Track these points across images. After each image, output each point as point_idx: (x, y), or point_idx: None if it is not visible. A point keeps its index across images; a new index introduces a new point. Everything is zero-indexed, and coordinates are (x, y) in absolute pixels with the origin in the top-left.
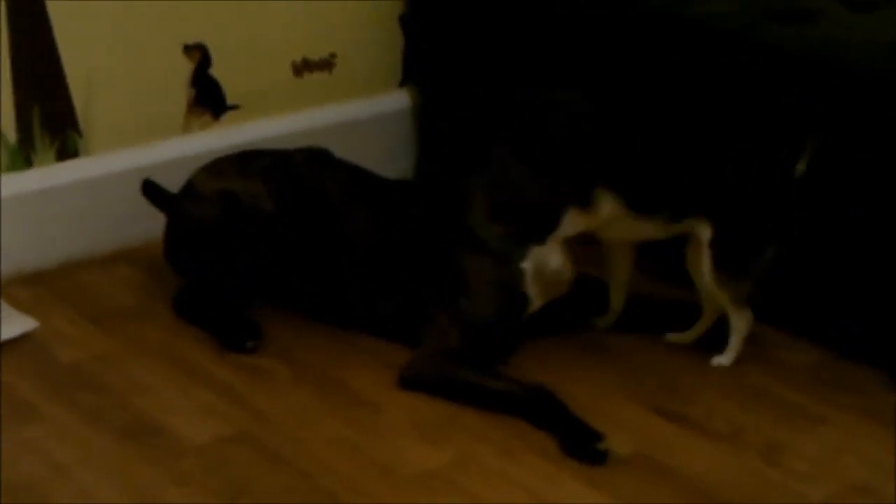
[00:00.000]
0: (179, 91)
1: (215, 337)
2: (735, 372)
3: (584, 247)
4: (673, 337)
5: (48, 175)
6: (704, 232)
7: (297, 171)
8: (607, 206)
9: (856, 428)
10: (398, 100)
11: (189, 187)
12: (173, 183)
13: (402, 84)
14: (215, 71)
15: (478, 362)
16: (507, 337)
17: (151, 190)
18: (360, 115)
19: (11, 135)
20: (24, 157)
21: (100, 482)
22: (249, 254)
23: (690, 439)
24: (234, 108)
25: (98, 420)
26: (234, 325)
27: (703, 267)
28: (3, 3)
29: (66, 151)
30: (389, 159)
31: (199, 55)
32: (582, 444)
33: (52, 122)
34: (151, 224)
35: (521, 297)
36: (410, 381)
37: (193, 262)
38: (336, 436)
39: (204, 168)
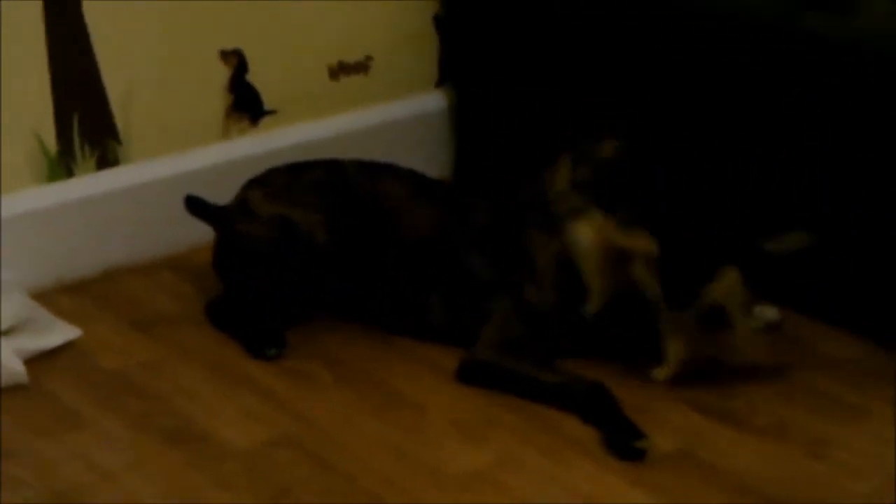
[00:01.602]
0: (217, 97)
1: (241, 343)
2: (776, 365)
3: None
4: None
5: (89, 184)
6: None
7: (351, 182)
8: None
9: None
10: (435, 101)
11: (243, 205)
12: (214, 189)
13: (439, 85)
14: (252, 76)
15: (539, 352)
16: (569, 327)
17: (196, 205)
18: (397, 117)
19: (52, 145)
20: (64, 167)
21: (145, 487)
22: (301, 280)
23: (734, 435)
24: (272, 112)
25: (143, 426)
26: (258, 333)
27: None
28: (42, 13)
29: (107, 160)
30: (427, 161)
31: (236, 61)
32: (623, 441)
33: (91, 131)
34: (194, 230)
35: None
36: (468, 372)
37: (243, 280)
38: (379, 438)
39: (257, 183)
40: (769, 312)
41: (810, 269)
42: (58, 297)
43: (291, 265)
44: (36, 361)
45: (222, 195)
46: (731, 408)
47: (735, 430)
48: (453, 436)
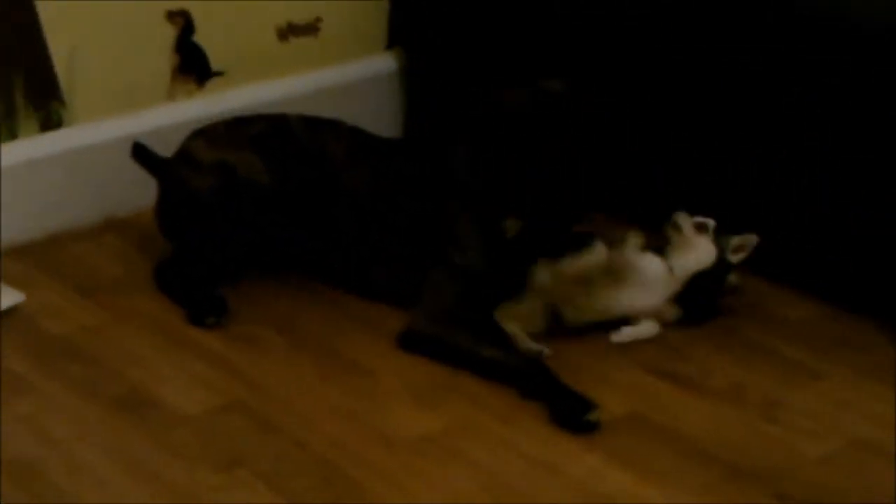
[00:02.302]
0: (163, 58)
1: (183, 309)
2: (731, 327)
3: None
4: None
5: (32, 146)
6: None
7: (295, 134)
8: None
9: (856, 383)
10: (385, 63)
11: (185, 153)
12: (159, 151)
13: (389, 47)
14: (199, 37)
15: (475, 320)
16: (500, 286)
17: (142, 153)
18: (347, 80)
19: None
20: (7, 129)
21: (93, 454)
22: (244, 226)
23: (687, 398)
24: (219, 74)
25: (90, 392)
26: (200, 300)
27: None
28: None
29: (51, 122)
30: (377, 123)
31: (183, 21)
32: (573, 414)
33: (35, 92)
34: (139, 193)
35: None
36: (408, 342)
37: (185, 230)
38: (331, 403)
39: (200, 134)
40: (729, 276)
41: (768, 232)
42: (2, 261)
43: (235, 210)
44: None
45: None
46: (686, 370)
47: (689, 393)
48: (406, 401)
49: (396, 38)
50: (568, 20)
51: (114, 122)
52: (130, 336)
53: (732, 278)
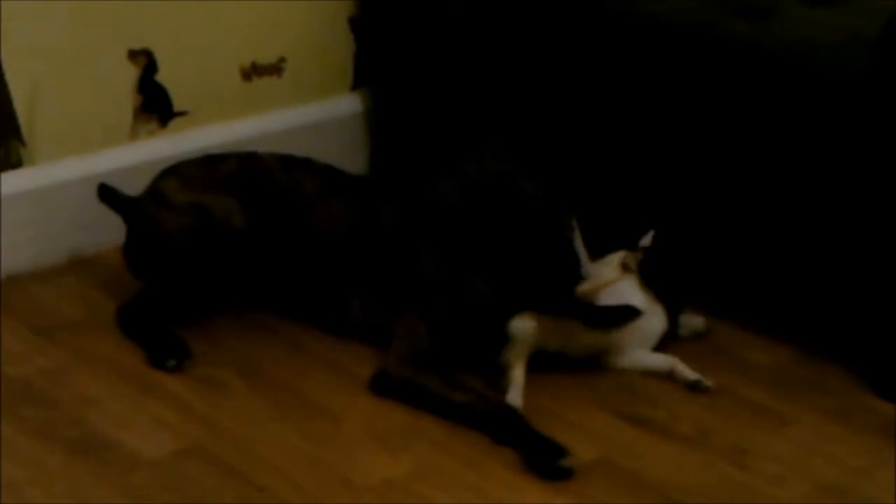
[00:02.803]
0: (126, 97)
1: (144, 351)
2: (698, 372)
3: None
4: None
5: None
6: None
7: (269, 172)
8: None
9: (823, 428)
10: (350, 104)
11: (156, 193)
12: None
13: (354, 88)
14: (162, 77)
15: (446, 364)
16: (476, 340)
17: (109, 194)
18: (312, 120)
19: None
20: None
21: (50, 500)
22: (217, 269)
23: (655, 443)
24: (182, 114)
25: (48, 436)
26: (161, 342)
27: None
28: None
29: (10, 161)
30: (342, 164)
31: (146, 60)
32: (545, 461)
33: None
34: (101, 233)
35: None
36: (380, 385)
37: (156, 270)
38: (292, 447)
39: (171, 173)
40: (695, 321)
41: (735, 276)
42: None
43: (209, 253)
44: None
45: None
46: (653, 415)
47: (657, 438)
48: (369, 445)
49: (362, 78)
50: (534, 62)
51: (74, 162)
52: (90, 378)
53: (699, 322)
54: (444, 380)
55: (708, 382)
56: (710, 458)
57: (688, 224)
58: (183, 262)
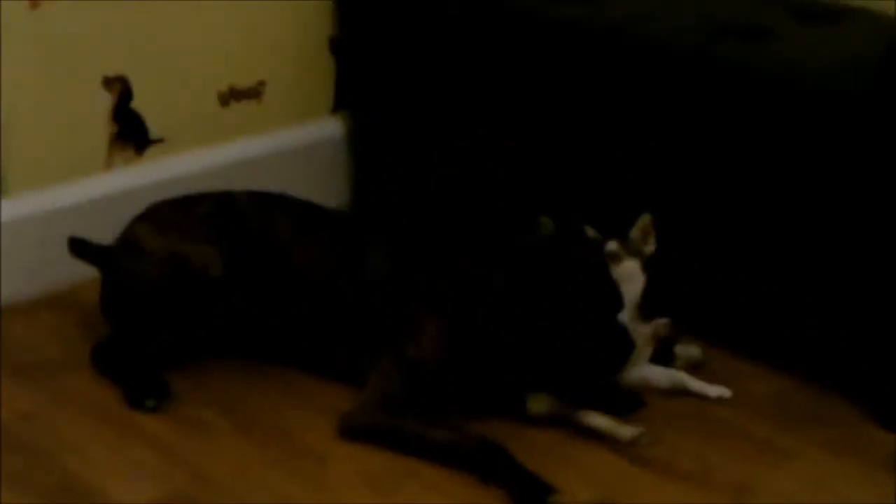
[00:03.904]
0: (100, 126)
1: (122, 391)
2: (698, 406)
3: None
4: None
5: None
6: None
7: (243, 214)
8: None
9: (828, 462)
10: (331, 127)
11: (130, 241)
12: (98, 223)
13: (335, 111)
14: (137, 104)
15: (421, 410)
16: (453, 385)
17: (81, 247)
18: (292, 145)
19: None
20: None
21: None
22: (194, 318)
23: (654, 481)
24: (159, 141)
25: (24, 484)
26: (139, 381)
27: None
28: None
29: None
30: (323, 190)
31: (120, 87)
32: (533, 499)
33: None
34: (76, 267)
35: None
36: (350, 430)
37: (133, 321)
38: (279, 492)
39: (144, 219)
40: (692, 350)
41: (734, 305)
42: None
43: (184, 301)
44: None
45: (106, 229)
46: (652, 452)
47: (657, 476)
48: (359, 488)
49: (343, 101)
50: (525, 85)
51: (48, 192)
52: (67, 421)
53: (695, 352)
54: (422, 421)
55: (726, 392)
56: (712, 496)
57: (683, 249)
58: (160, 312)
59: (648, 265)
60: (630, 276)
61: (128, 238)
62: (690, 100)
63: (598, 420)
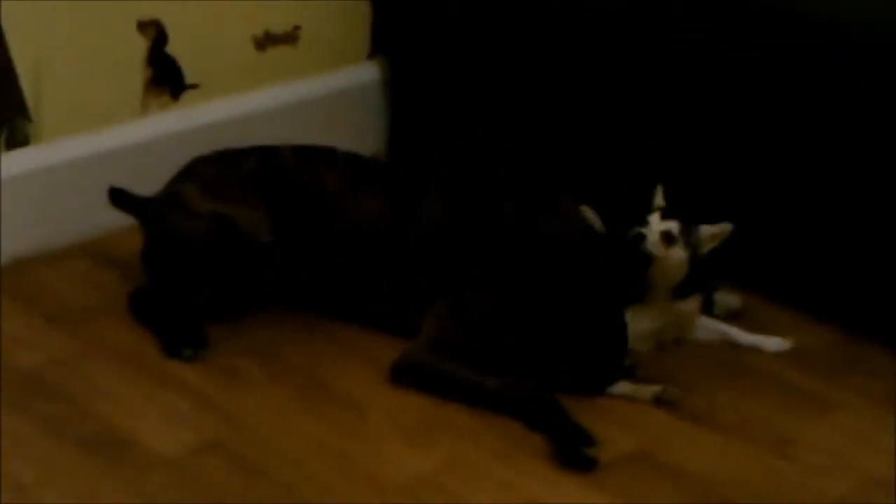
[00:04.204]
0: (135, 71)
1: (159, 340)
2: (739, 357)
3: None
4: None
5: None
6: None
7: (288, 171)
8: None
9: (873, 414)
10: (368, 73)
11: (175, 198)
12: (133, 170)
13: (372, 56)
14: (172, 48)
15: (474, 356)
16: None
17: (122, 198)
18: (328, 91)
19: None
20: None
21: (63, 502)
22: (242, 280)
23: (695, 433)
24: (194, 87)
25: (58, 432)
26: (177, 331)
27: None
28: None
29: (16, 139)
30: (359, 136)
31: (155, 32)
32: (572, 449)
33: None
34: (112, 215)
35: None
36: (402, 373)
37: (179, 279)
38: (317, 442)
39: (189, 179)
40: (730, 299)
41: (775, 253)
42: None
43: (231, 265)
44: None
45: (142, 176)
46: (693, 404)
47: (697, 428)
48: (396, 439)
49: (380, 45)
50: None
51: (84, 138)
52: (102, 369)
53: (734, 301)
54: (474, 366)
55: (785, 344)
56: (752, 449)
57: (722, 198)
58: (206, 274)
59: (696, 263)
60: (674, 264)
61: (174, 197)
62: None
63: (620, 388)
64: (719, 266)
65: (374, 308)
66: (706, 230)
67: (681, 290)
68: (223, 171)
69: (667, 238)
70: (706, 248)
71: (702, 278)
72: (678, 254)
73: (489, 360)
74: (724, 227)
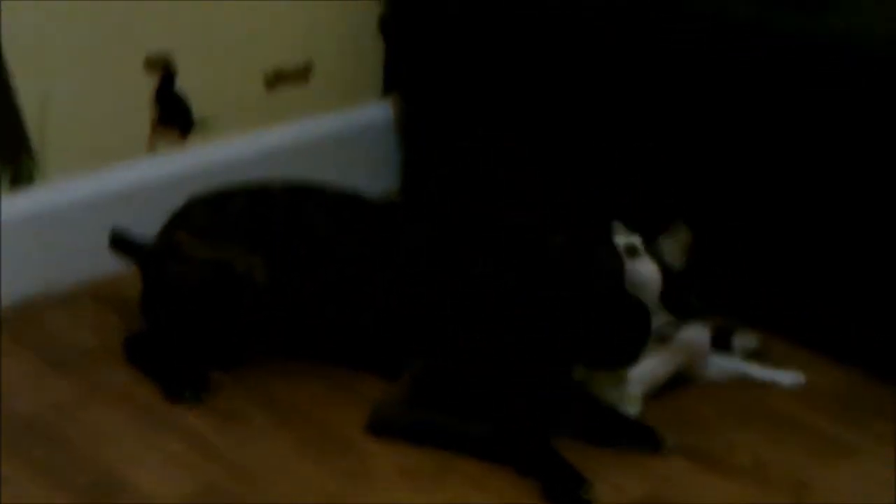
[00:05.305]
0: (142, 109)
1: (158, 383)
2: (757, 398)
3: None
4: None
5: (2, 206)
6: None
7: (279, 209)
8: None
9: (890, 458)
10: (380, 111)
11: (170, 245)
12: (140, 210)
13: (385, 93)
14: (181, 86)
15: (452, 406)
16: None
17: (122, 242)
18: (340, 129)
19: None
20: None
21: None
22: (240, 325)
23: (710, 477)
24: (204, 120)
25: (58, 479)
26: (177, 374)
27: None
28: None
29: (20, 179)
30: (372, 176)
31: (163, 69)
32: (567, 492)
33: (2, 147)
34: (115, 257)
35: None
36: (378, 427)
37: (177, 326)
38: (319, 488)
39: (181, 225)
40: (748, 340)
41: (793, 292)
42: None
43: (228, 308)
44: None
45: (149, 217)
46: (707, 447)
47: (711, 473)
48: (401, 485)
49: (393, 84)
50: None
51: (89, 178)
52: (103, 414)
53: (751, 341)
54: (455, 415)
55: (799, 378)
56: (770, 493)
57: (738, 236)
58: (203, 319)
59: (671, 276)
60: (645, 278)
61: (169, 245)
62: (746, 75)
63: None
64: (700, 280)
65: (357, 349)
66: (665, 240)
67: (669, 306)
68: (216, 213)
69: (630, 251)
70: (676, 260)
71: (683, 293)
72: (646, 266)
73: (469, 410)
74: (681, 236)
